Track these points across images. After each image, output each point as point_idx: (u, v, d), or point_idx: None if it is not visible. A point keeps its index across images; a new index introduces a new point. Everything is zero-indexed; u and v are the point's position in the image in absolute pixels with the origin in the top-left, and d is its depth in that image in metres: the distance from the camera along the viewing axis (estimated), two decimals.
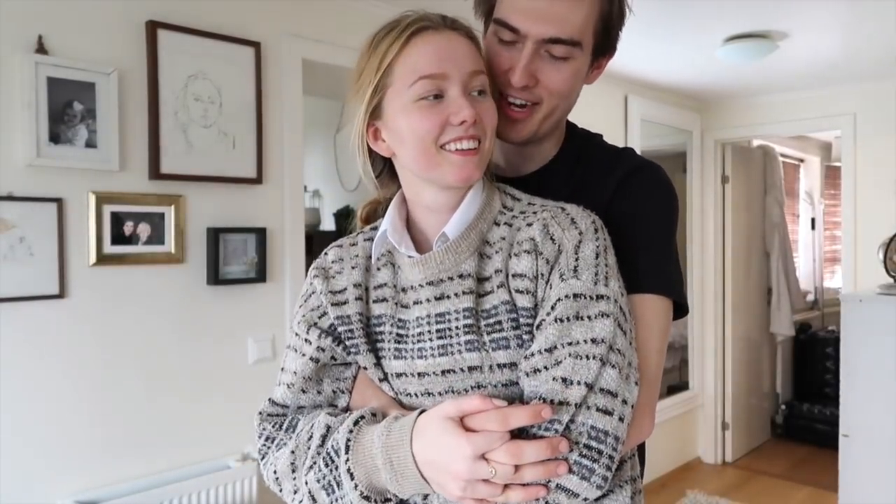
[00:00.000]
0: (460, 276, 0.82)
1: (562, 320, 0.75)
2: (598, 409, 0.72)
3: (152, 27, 1.94)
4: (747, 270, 4.60)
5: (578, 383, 0.72)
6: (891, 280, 3.16)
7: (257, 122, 2.17)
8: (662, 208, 0.92)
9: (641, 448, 0.98)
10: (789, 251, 4.87)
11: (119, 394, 1.92)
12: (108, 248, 1.88)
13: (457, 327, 0.79)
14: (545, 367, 0.74)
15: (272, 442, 0.87)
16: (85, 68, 1.81)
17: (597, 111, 3.51)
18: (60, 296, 1.80)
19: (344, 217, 3.53)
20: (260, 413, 0.89)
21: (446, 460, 0.70)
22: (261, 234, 2.20)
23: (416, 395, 0.82)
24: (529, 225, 0.82)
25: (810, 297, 5.50)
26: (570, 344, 0.74)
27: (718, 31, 2.86)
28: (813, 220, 5.60)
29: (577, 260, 0.78)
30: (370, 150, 0.88)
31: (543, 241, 0.79)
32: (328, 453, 0.79)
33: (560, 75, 0.90)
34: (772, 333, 4.80)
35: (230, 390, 2.16)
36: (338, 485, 0.77)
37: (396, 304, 0.85)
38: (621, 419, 0.73)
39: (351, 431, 0.78)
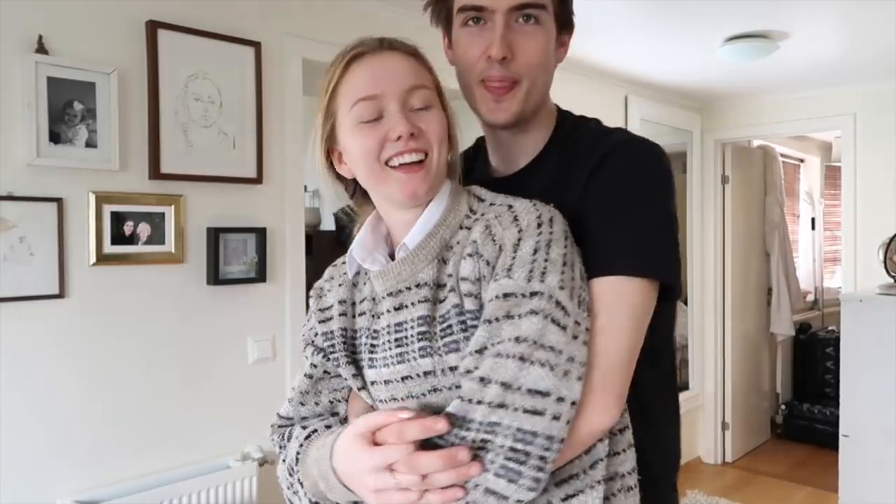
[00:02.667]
0: (417, 286, 0.83)
1: (490, 321, 0.75)
2: (524, 411, 0.71)
3: (152, 27, 1.94)
4: (747, 270, 4.60)
5: (495, 382, 0.72)
6: (891, 280, 3.16)
7: (257, 122, 2.17)
8: (642, 181, 0.87)
9: (668, 444, 0.99)
10: (789, 251, 4.87)
11: (119, 393, 1.92)
12: (109, 248, 1.88)
13: (412, 335, 0.82)
14: (474, 368, 0.74)
15: (280, 450, 0.95)
16: (85, 68, 1.81)
17: (597, 111, 3.49)
18: (60, 296, 1.80)
19: (345, 217, 3.53)
20: (271, 426, 0.97)
21: (357, 472, 0.76)
22: (261, 234, 2.20)
23: (385, 400, 0.86)
24: (478, 223, 0.84)
25: (810, 298, 5.50)
26: (494, 344, 0.74)
27: (719, 31, 2.86)
28: (813, 220, 5.60)
29: (513, 258, 0.77)
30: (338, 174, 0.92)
31: (484, 243, 0.80)
32: (290, 464, 0.89)
33: (534, 42, 0.92)
34: (772, 333, 4.80)
35: (230, 390, 2.16)
36: (295, 493, 0.89)
37: (372, 315, 0.88)
38: (556, 418, 0.71)
39: (301, 445, 0.88)
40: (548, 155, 0.98)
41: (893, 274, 3.16)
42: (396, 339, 0.83)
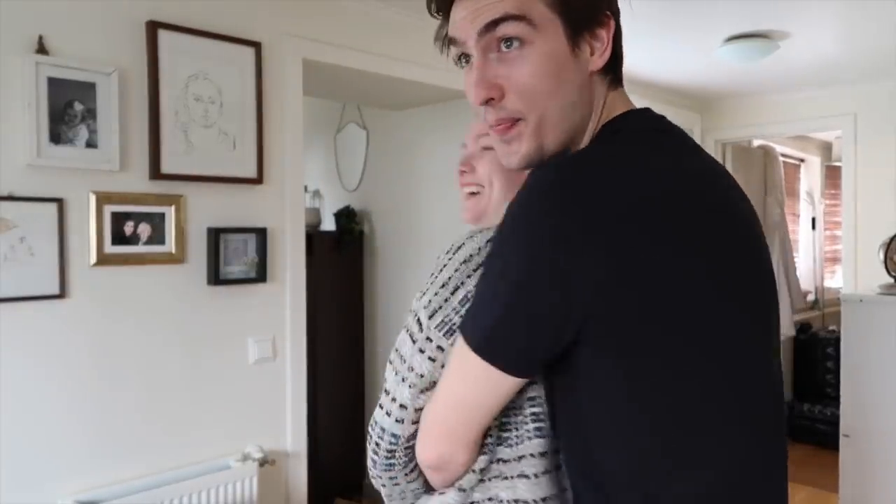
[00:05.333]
0: None
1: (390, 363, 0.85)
2: (379, 405, 0.82)
3: (153, 27, 1.94)
4: None
5: (383, 390, 0.83)
6: (891, 280, 3.16)
7: (258, 123, 2.18)
8: (499, 229, 0.72)
9: None
10: (790, 251, 4.87)
11: (120, 393, 1.93)
12: (109, 249, 1.88)
13: None
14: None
15: None
16: (85, 68, 1.81)
17: None
18: (61, 296, 1.81)
19: (345, 217, 3.53)
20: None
21: None
22: (261, 234, 2.20)
23: None
24: None
25: (811, 297, 5.50)
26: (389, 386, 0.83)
27: (719, 30, 2.86)
28: (813, 220, 5.60)
29: (435, 289, 0.82)
30: None
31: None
32: None
33: (524, 69, 0.74)
34: None
35: (231, 390, 2.16)
36: None
37: None
38: (388, 414, 0.80)
39: None
40: None
41: (894, 274, 3.16)
42: None
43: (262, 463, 2.17)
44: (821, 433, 4.58)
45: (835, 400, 3.44)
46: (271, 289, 2.26)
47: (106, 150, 1.85)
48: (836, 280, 5.60)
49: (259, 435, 2.22)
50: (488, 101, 0.76)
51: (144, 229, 1.95)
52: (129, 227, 1.92)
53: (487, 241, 0.78)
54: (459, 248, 0.81)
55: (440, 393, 0.77)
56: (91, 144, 1.83)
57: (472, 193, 0.93)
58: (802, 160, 5.59)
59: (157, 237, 1.97)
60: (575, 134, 0.79)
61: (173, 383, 2.03)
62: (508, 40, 0.74)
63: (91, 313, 1.87)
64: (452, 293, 0.78)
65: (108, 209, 1.88)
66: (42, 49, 1.75)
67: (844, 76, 3.62)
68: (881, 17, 2.67)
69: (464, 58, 0.79)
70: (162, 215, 1.98)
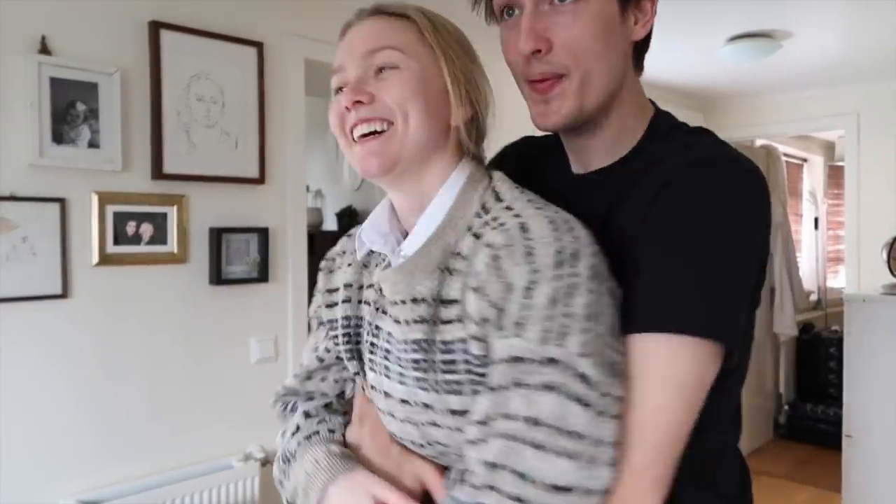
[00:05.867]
0: (413, 300, 0.70)
1: (495, 388, 0.64)
2: None
3: (155, 27, 1.94)
4: None
5: (509, 471, 0.61)
6: (894, 280, 3.15)
7: (260, 123, 2.18)
8: (708, 217, 0.67)
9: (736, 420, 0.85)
10: (792, 251, 4.86)
11: (122, 393, 1.93)
12: (111, 248, 1.88)
13: (407, 360, 0.71)
14: (477, 442, 0.64)
15: (282, 420, 0.92)
16: (88, 69, 1.81)
17: None
18: (63, 296, 1.81)
19: (347, 217, 3.53)
20: (275, 393, 0.93)
21: None
22: (263, 234, 2.20)
23: (384, 412, 0.77)
24: (487, 245, 0.67)
25: (813, 297, 5.48)
26: (505, 417, 0.62)
27: (721, 30, 2.85)
28: (816, 220, 5.59)
29: (525, 308, 0.63)
30: None
31: (489, 279, 0.65)
32: (284, 452, 0.86)
33: (576, 24, 0.72)
34: (775, 333, 4.79)
35: (232, 390, 2.16)
36: (280, 482, 0.86)
37: (377, 308, 0.77)
38: None
39: (299, 444, 0.83)
40: (630, 162, 0.79)
41: None
42: (397, 357, 0.73)
43: (264, 463, 2.17)
44: (823, 433, 4.58)
45: (837, 400, 3.43)
46: (273, 289, 2.26)
47: (108, 150, 1.85)
48: (838, 280, 5.58)
49: (261, 435, 2.23)
50: (535, 53, 0.74)
51: (146, 229, 1.95)
52: (131, 227, 1.92)
53: (573, 237, 0.65)
54: (574, 254, 0.64)
55: (648, 428, 0.64)
56: (93, 144, 1.83)
57: (374, 133, 0.72)
58: (805, 160, 5.58)
59: (160, 237, 1.98)
60: (610, 101, 0.78)
61: (175, 383, 2.03)
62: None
63: (93, 313, 1.87)
64: (598, 321, 0.63)
65: (111, 209, 1.88)
66: (44, 49, 1.76)
67: (847, 76, 3.61)
68: (884, 16, 2.66)
69: (507, 10, 0.78)
70: (164, 215, 1.98)
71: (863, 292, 3.35)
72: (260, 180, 2.19)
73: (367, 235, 0.79)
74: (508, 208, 0.70)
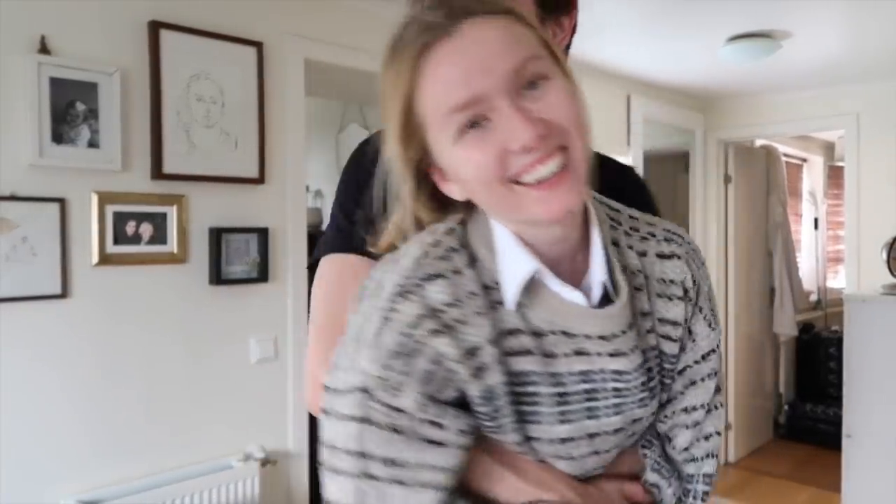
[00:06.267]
0: (630, 327, 0.67)
1: (713, 375, 0.75)
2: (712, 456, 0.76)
3: (154, 27, 1.94)
4: (750, 270, 4.59)
5: (718, 434, 0.77)
6: (894, 280, 3.15)
7: (259, 122, 2.18)
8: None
9: None
10: (792, 251, 4.86)
11: (122, 393, 1.93)
12: (111, 248, 1.88)
13: (634, 386, 0.67)
14: (704, 421, 0.76)
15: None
16: (87, 68, 1.81)
17: (599, 111, 3.51)
18: (63, 296, 1.81)
19: None
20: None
21: None
22: (263, 234, 2.20)
23: (579, 457, 0.68)
24: (667, 258, 0.72)
25: (813, 297, 5.48)
26: (717, 393, 0.77)
27: (721, 30, 2.85)
28: (816, 220, 5.59)
29: (713, 305, 0.76)
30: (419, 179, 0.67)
31: (690, 284, 0.72)
32: None
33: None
34: (775, 333, 4.79)
35: (232, 390, 2.16)
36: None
37: (542, 354, 0.64)
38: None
39: None
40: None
41: None
42: (616, 389, 0.66)
43: (264, 463, 2.17)
44: (823, 433, 4.58)
45: (837, 400, 3.43)
46: (273, 288, 2.26)
47: (108, 150, 1.85)
48: (838, 280, 5.58)
49: (261, 435, 2.23)
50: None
51: (146, 229, 1.95)
52: (130, 227, 1.92)
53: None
54: (699, 254, 0.77)
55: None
56: (93, 144, 1.83)
57: (558, 172, 0.60)
58: (805, 160, 5.58)
59: (159, 237, 1.98)
60: None
61: (175, 383, 2.03)
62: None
63: (93, 313, 1.87)
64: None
65: (110, 209, 1.88)
66: (44, 49, 1.76)
67: (847, 76, 3.61)
68: (884, 16, 2.66)
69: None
70: (164, 215, 1.98)
71: (863, 292, 3.35)
72: (260, 180, 2.19)
73: (519, 276, 0.64)
74: (632, 217, 0.75)
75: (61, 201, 1.80)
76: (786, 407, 4.95)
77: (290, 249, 2.30)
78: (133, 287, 1.94)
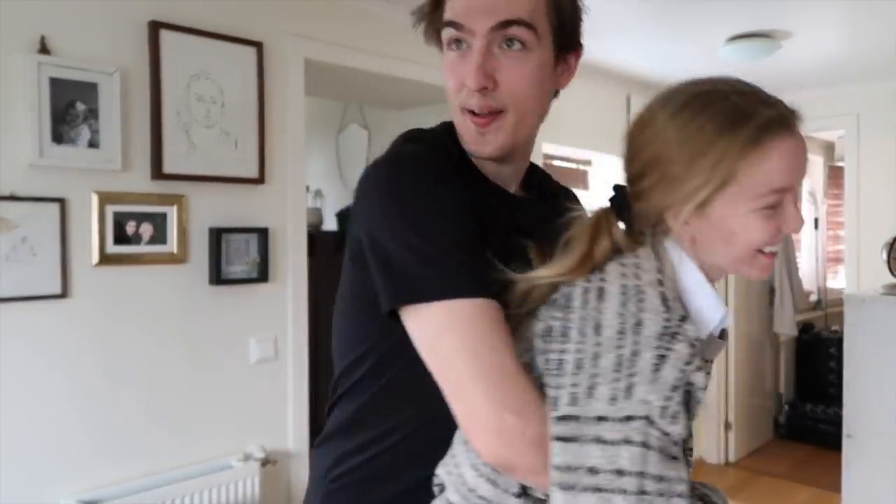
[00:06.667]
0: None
1: None
2: None
3: (154, 27, 1.94)
4: None
5: None
6: (894, 280, 3.15)
7: (259, 122, 2.18)
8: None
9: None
10: (792, 251, 4.86)
11: (122, 393, 1.93)
12: (111, 248, 1.88)
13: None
14: None
15: None
16: (87, 68, 1.81)
17: (599, 111, 3.51)
18: (63, 296, 1.81)
19: (347, 217, 3.53)
20: None
21: None
22: (263, 234, 2.20)
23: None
24: None
25: (813, 297, 5.48)
26: None
27: (721, 30, 2.85)
28: (816, 220, 5.59)
29: None
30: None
31: None
32: None
33: (521, 70, 0.83)
34: (775, 333, 4.79)
35: (232, 390, 2.16)
36: None
37: (706, 372, 0.77)
38: None
39: None
40: (533, 186, 0.98)
41: None
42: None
43: (264, 463, 2.17)
44: (824, 433, 4.58)
45: (837, 400, 3.43)
46: (273, 288, 2.26)
47: (108, 150, 1.85)
48: (838, 280, 5.58)
49: (261, 435, 2.23)
50: (483, 89, 0.82)
51: (146, 229, 1.95)
52: (130, 227, 1.92)
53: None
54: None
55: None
56: (93, 144, 1.83)
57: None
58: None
59: (159, 237, 1.98)
60: (531, 138, 0.93)
61: (175, 383, 2.03)
62: (512, 41, 0.82)
63: (93, 313, 1.87)
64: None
65: (110, 209, 1.88)
66: (44, 49, 1.76)
67: (847, 76, 3.61)
68: (884, 16, 2.66)
69: (455, 43, 0.85)
70: (164, 215, 1.98)
71: (863, 292, 3.35)
72: (260, 180, 2.19)
73: (717, 311, 0.77)
74: None
75: (61, 201, 1.80)
76: (786, 407, 4.95)
77: (290, 249, 2.31)
78: (133, 287, 1.94)
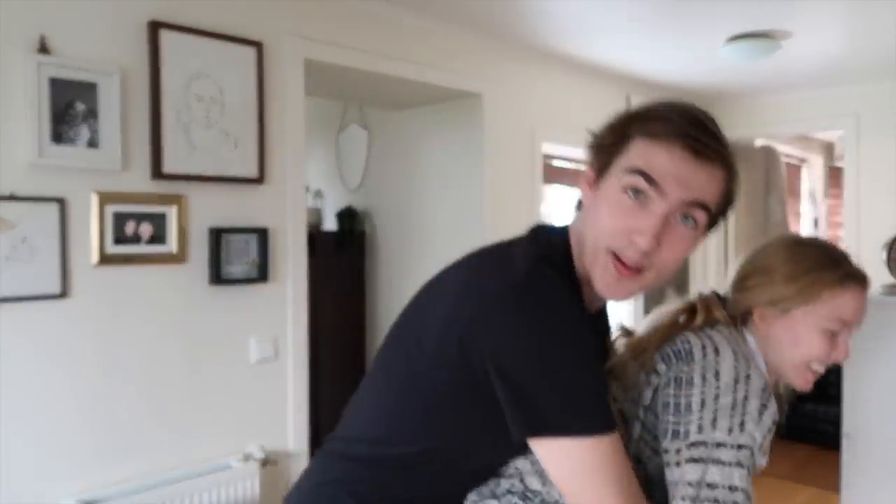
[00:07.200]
0: None
1: None
2: None
3: (154, 27, 1.94)
4: None
5: None
6: (894, 280, 3.15)
7: (259, 122, 2.17)
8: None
9: None
10: None
11: (121, 393, 1.93)
12: (111, 248, 1.88)
13: None
14: None
15: None
16: (87, 68, 1.81)
17: (599, 111, 3.50)
18: (63, 296, 1.81)
19: (346, 217, 3.53)
20: None
21: None
22: (262, 234, 2.20)
23: None
24: None
25: None
26: None
27: (721, 30, 2.85)
28: (816, 220, 5.59)
29: None
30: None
31: None
32: None
33: (683, 245, 0.89)
34: None
35: (232, 390, 2.16)
36: None
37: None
38: None
39: None
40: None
41: None
42: None
43: (264, 463, 2.17)
44: (822, 433, 4.58)
45: (837, 400, 3.43)
46: (273, 288, 2.26)
47: (108, 149, 1.85)
48: None
49: (261, 435, 2.23)
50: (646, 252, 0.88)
51: (146, 229, 1.95)
52: (130, 227, 1.92)
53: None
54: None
55: None
56: (93, 144, 1.83)
57: None
58: (805, 160, 5.59)
59: (159, 237, 1.98)
60: None
61: (175, 383, 2.03)
62: (689, 218, 0.88)
63: (93, 313, 1.87)
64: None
65: (110, 209, 1.88)
66: (44, 49, 1.76)
67: (847, 76, 3.61)
68: (884, 16, 2.66)
69: (634, 190, 0.87)
70: (163, 215, 1.98)
71: None
72: (259, 180, 2.19)
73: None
74: None
75: (61, 201, 1.80)
76: (785, 407, 4.95)
77: (290, 249, 2.30)
78: (133, 287, 1.94)
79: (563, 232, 0.95)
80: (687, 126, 0.89)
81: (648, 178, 0.85)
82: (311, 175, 3.56)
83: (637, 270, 0.87)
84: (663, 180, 0.85)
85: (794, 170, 5.43)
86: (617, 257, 0.87)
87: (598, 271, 0.89)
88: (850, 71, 3.50)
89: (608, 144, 0.92)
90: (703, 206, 0.87)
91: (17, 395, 1.75)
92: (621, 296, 0.90)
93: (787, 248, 1.04)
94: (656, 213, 0.85)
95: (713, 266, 4.36)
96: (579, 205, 0.96)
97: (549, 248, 0.91)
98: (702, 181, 0.86)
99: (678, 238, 0.87)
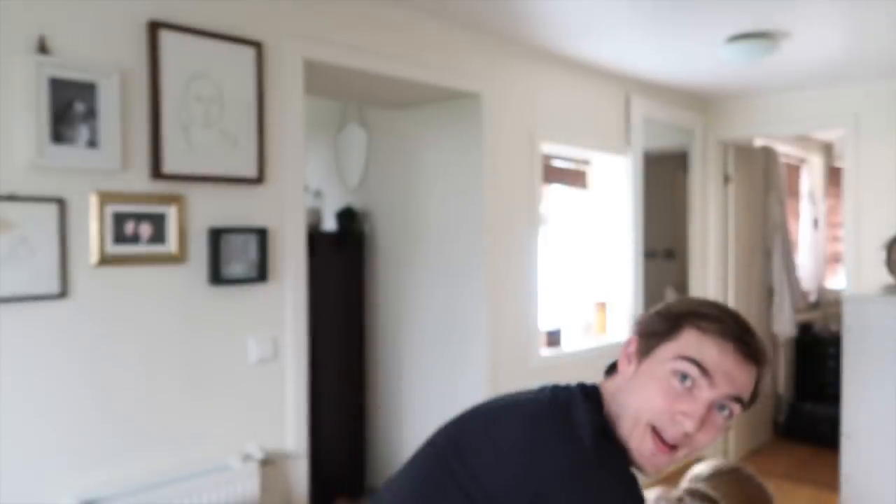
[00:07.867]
0: None
1: None
2: None
3: (154, 27, 1.94)
4: (749, 270, 4.59)
5: None
6: (893, 280, 3.15)
7: (259, 122, 2.17)
8: None
9: None
10: (791, 251, 4.87)
11: (120, 393, 1.93)
12: (110, 248, 1.88)
13: None
14: None
15: None
16: (87, 68, 1.81)
17: (598, 111, 3.51)
18: (62, 296, 1.81)
19: (346, 217, 3.52)
20: None
21: None
22: (262, 234, 2.20)
23: None
24: None
25: (812, 297, 5.49)
26: None
27: (721, 30, 2.86)
28: (815, 220, 5.59)
29: None
30: None
31: None
32: None
33: (717, 431, 0.98)
34: (774, 333, 4.79)
35: (231, 390, 2.16)
36: None
37: None
38: None
39: None
40: None
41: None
42: None
43: (264, 463, 2.17)
44: (822, 433, 4.58)
45: (836, 400, 3.43)
46: (272, 288, 2.26)
47: (107, 149, 1.85)
48: (837, 280, 5.59)
49: (260, 435, 2.23)
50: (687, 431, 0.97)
51: (146, 229, 1.95)
52: (130, 227, 1.92)
53: None
54: None
55: None
56: (92, 144, 1.83)
57: None
58: (804, 160, 5.59)
59: (158, 237, 1.98)
60: None
61: (174, 383, 2.03)
62: (725, 408, 0.97)
63: (92, 313, 1.87)
64: None
65: (110, 209, 1.88)
66: (43, 49, 1.75)
67: (847, 76, 3.61)
68: (884, 16, 2.66)
69: (683, 376, 0.97)
70: (163, 215, 1.98)
71: (861, 292, 3.35)
72: (259, 180, 2.19)
73: None
74: None
75: (60, 201, 1.80)
76: (785, 407, 4.96)
77: (289, 249, 2.30)
78: (132, 287, 1.94)
79: (598, 395, 1.03)
80: (739, 330, 1.00)
81: (702, 368, 0.96)
82: (310, 175, 3.55)
83: (673, 447, 0.97)
84: (714, 373, 0.96)
85: (794, 170, 5.44)
86: (656, 433, 0.97)
87: (635, 441, 0.98)
88: (849, 71, 3.51)
89: (659, 331, 1.02)
90: (740, 401, 0.98)
91: (17, 395, 1.75)
92: (651, 468, 0.98)
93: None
94: (703, 400, 0.96)
95: (713, 266, 4.37)
96: (611, 369, 1.07)
97: (600, 417, 1.00)
98: (744, 379, 0.98)
99: (714, 424, 0.97)
